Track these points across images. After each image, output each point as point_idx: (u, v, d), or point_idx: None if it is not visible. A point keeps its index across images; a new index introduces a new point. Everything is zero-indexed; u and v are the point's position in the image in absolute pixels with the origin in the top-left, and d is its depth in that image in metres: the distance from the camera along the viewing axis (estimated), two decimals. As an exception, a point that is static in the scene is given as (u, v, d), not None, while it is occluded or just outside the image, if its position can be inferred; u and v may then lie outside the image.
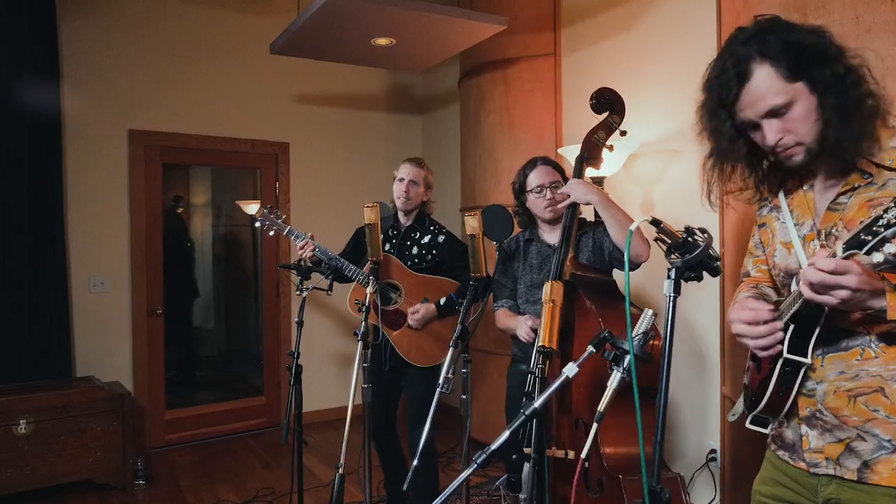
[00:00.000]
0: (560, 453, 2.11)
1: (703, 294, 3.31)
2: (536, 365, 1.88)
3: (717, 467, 3.25)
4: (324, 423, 5.08)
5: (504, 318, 2.57)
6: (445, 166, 5.30)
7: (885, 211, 1.00)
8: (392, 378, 3.06)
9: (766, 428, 1.40)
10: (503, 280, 2.61)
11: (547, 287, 2.02)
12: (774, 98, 1.24)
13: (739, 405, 1.53)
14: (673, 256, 1.15)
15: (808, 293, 1.13)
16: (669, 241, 1.15)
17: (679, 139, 3.46)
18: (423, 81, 5.80)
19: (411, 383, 3.04)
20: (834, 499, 1.31)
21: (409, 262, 3.05)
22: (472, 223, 2.34)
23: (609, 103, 2.47)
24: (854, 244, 1.05)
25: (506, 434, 1.23)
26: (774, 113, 1.26)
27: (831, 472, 1.30)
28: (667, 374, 1.12)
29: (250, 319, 6.19)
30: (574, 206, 2.36)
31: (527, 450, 2.19)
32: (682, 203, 3.48)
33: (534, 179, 2.58)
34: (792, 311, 1.23)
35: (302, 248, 2.99)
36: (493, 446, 1.23)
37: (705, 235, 1.15)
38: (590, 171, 2.58)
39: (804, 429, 1.35)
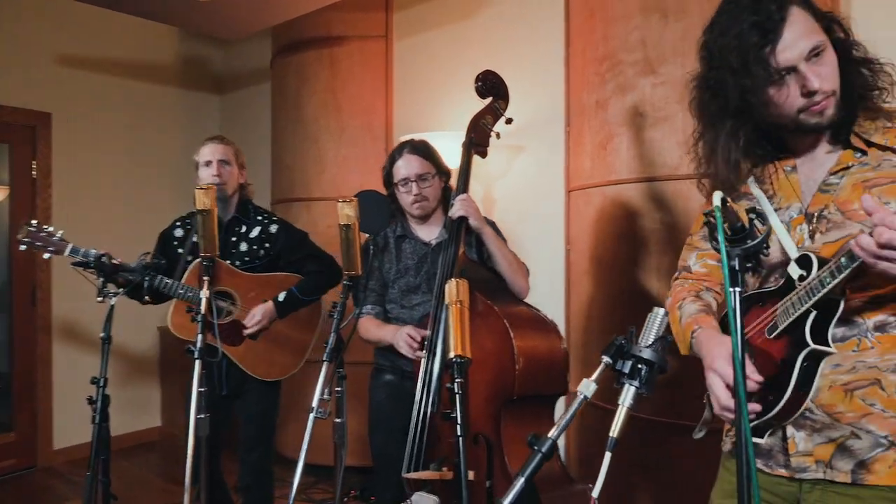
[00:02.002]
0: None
1: (548, 289, 3.28)
2: (456, 381, 1.57)
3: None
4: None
5: (372, 327, 2.22)
6: (253, 153, 4.65)
7: None
8: (223, 401, 2.54)
9: (762, 438, 1.24)
10: (369, 283, 2.25)
11: (451, 286, 1.72)
12: (815, 36, 1.14)
13: (708, 415, 1.37)
14: (715, 242, 0.95)
15: (869, 259, 0.99)
16: (719, 223, 0.94)
17: (523, 134, 3.39)
18: (222, 55, 5.11)
19: (248, 403, 2.55)
20: None
21: (237, 263, 2.54)
22: (348, 211, 1.97)
23: (494, 87, 2.28)
24: None
25: (521, 483, 0.93)
26: (816, 51, 1.14)
27: (821, 475, 1.20)
28: (743, 386, 0.90)
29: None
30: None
31: (417, 474, 1.90)
32: (525, 199, 3.43)
33: (400, 170, 2.25)
34: (819, 295, 1.09)
35: None
36: (508, 501, 0.91)
37: (764, 223, 0.97)
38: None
39: (790, 431, 1.23)
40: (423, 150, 2.29)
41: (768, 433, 1.24)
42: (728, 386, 1.16)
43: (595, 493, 1.00)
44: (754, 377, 1.16)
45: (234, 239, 2.57)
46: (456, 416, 1.53)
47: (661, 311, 1.06)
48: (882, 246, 0.96)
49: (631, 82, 2.64)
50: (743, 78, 1.16)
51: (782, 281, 1.21)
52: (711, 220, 0.95)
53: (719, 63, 1.20)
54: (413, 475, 1.86)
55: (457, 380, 1.56)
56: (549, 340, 1.89)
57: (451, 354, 1.61)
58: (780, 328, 1.17)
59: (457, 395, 1.54)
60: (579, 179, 3.00)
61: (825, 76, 1.14)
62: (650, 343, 1.02)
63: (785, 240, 1.22)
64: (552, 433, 0.99)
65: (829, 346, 1.12)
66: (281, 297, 2.53)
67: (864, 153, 1.18)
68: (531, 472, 0.96)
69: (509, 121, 2.29)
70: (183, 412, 2.59)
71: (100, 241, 2.49)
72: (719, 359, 1.19)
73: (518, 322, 1.85)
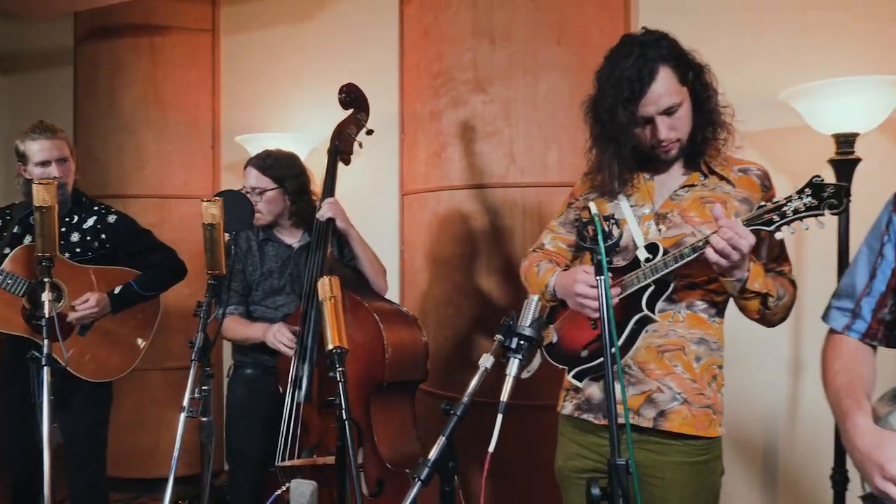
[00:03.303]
0: (330, 460, 1.96)
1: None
2: (337, 369, 1.69)
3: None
4: None
5: (238, 327, 2.25)
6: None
7: (789, 200, 1.28)
8: (39, 411, 2.35)
9: (581, 381, 1.59)
10: (232, 284, 2.27)
11: (324, 283, 1.84)
12: (673, 97, 1.46)
13: (536, 363, 1.68)
14: (589, 242, 1.22)
15: (711, 253, 1.34)
16: (591, 226, 1.21)
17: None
18: (8, 31, 4.53)
19: (75, 414, 2.37)
20: (636, 461, 1.55)
21: (66, 254, 2.41)
22: (213, 210, 1.99)
23: (357, 100, 2.42)
24: (761, 222, 1.31)
25: (443, 441, 1.11)
26: (669, 111, 1.47)
27: (632, 421, 1.53)
28: (610, 361, 1.17)
29: None
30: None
31: (292, 462, 1.99)
32: (359, 201, 3.55)
33: (245, 178, 2.35)
34: (662, 273, 1.44)
35: None
36: (433, 456, 1.09)
37: (619, 227, 1.26)
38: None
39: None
40: (263, 164, 2.36)
41: (588, 378, 1.59)
42: (588, 283, 1.47)
43: (491, 449, 1.21)
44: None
45: (63, 229, 2.40)
46: (339, 402, 1.67)
47: (535, 297, 1.31)
48: (726, 240, 1.32)
49: (463, 98, 2.92)
50: (613, 120, 1.50)
51: (628, 262, 1.55)
52: (584, 219, 1.23)
53: (600, 98, 1.53)
54: (288, 463, 1.95)
55: (338, 368, 1.70)
56: (412, 332, 2.09)
57: (330, 346, 1.74)
58: (623, 294, 1.51)
59: (339, 383, 1.68)
60: (414, 184, 3.23)
61: (675, 127, 1.50)
62: (529, 323, 1.26)
63: (635, 230, 1.57)
64: (463, 399, 1.18)
65: (654, 314, 1.48)
66: (117, 289, 2.42)
67: (707, 177, 1.57)
68: (450, 431, 1.14)
69: (370, 132, 2.45)
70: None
71: None
72: (579, 273, 1.52)
73: (386, 316, 2.02)
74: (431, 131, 3.07)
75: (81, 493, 2.38)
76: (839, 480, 2.24)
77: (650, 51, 1.46)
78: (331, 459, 1.97)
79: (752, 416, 2.70)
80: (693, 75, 1.50)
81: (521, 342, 1.25)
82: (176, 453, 1.74)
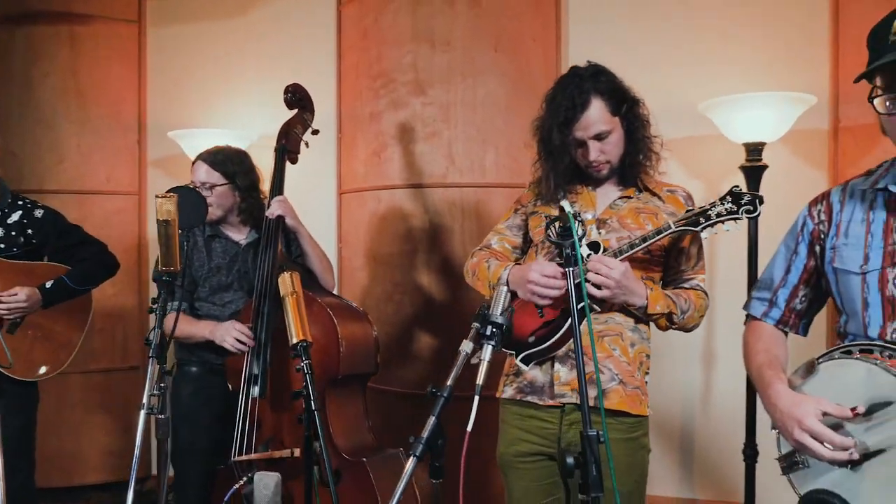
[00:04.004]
0: (286, 453, 2.00)
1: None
2: (304, 361, 1.73)
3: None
4: None
5: (183, 324, 2.21)
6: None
7: (713, 206, 1.49)
8: None
9: (528, 364, 1.72)
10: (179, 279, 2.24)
11: (286, 278, 1.88)
12: (602, 126, 1.66)
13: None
14: (553, 237, 1.34)
15: (591, 287, 1.58)
16: (559, 223, 1.33)
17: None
18: None
19: (4, 416, 2.27)
20: (575, 441, 1.68)
21: None
22: (168, 206, 1.96)
23: (302, 100, 2.45)
24: (689, 223, 1.52)
25: (433, 420, 1.19)
26: (599, 137, 1.67)
27: (574, 400, 1.68)
28: (580, 350, 1.29)
29: None
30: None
31: (248, 456, 2.00)
32: (293, 199, 3.56)
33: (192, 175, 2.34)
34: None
35: None
36: (426, 434, 1.17)
37: (583, 224, 1.39)
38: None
39: (556, 366, 1.71)
40: (214, 159, 2.35)
41: (534, 363, 1.73)
42: (544, 273, 1.64)
43: (469, 428, 1.30)
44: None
45: None
46: (308, 394, 1.71)
47: (504, 287, 1.41)
48: (595, 271, 1.58)
49: (403, 100, 3.00)
50: (550, 140, 1.70)
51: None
52: (551, 217, 1.35)
53: (543, 119, 1.73)
54: (245, 457, 1.96)
55: (304, 361, 1.74)
56: (364, 326, 2.16)
57: (294, 339, 1.78)
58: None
59: (307, 375, 1.72)
60: (353, 183, 3.27)
61: (606, 151, 1.70)
62: (500, 312, 1.36)
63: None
64: (449, 382, 1.26)
65: (596, 304, 1.66)
66: (48, 283, 2.35)
67: (641, 192, 1.78)
68: (438, 411, 1.22)
69: (316, 132, 2.48)
70: None
71: None
72: (534, 264, 1.69)
73: (338, 311, 2.08)
74: (371, 132, 3.13)
75: (12, 499, 2.27)
76: (750, 454, 2.50)
77: (586, 83, 1.67)
78: (287, 452, 2.01)
79: (671, 402, 2.94)
80: (626, 108, 1.71)
81: (494, 329, 1.35)
82: (137, 450, 1.72)
